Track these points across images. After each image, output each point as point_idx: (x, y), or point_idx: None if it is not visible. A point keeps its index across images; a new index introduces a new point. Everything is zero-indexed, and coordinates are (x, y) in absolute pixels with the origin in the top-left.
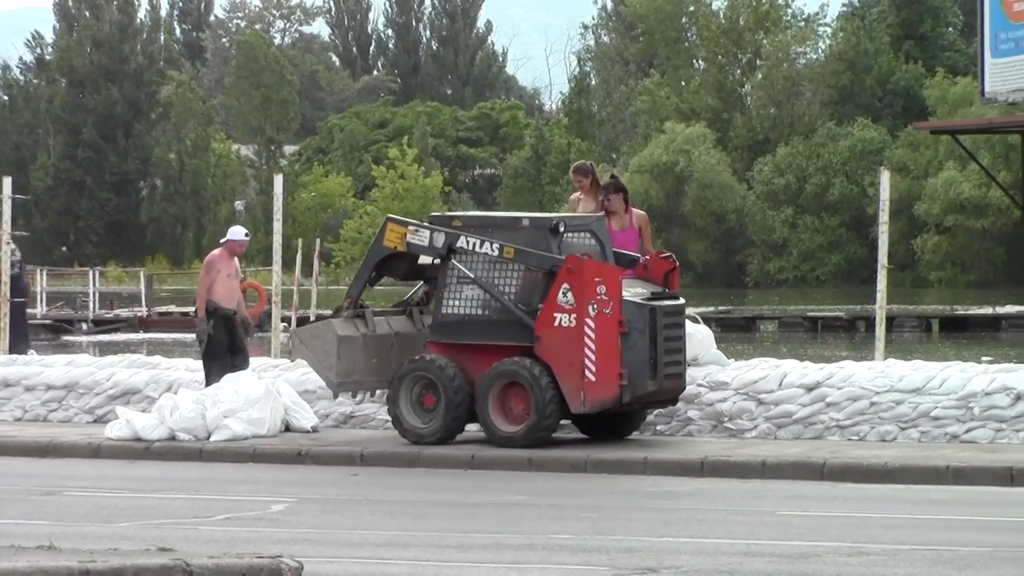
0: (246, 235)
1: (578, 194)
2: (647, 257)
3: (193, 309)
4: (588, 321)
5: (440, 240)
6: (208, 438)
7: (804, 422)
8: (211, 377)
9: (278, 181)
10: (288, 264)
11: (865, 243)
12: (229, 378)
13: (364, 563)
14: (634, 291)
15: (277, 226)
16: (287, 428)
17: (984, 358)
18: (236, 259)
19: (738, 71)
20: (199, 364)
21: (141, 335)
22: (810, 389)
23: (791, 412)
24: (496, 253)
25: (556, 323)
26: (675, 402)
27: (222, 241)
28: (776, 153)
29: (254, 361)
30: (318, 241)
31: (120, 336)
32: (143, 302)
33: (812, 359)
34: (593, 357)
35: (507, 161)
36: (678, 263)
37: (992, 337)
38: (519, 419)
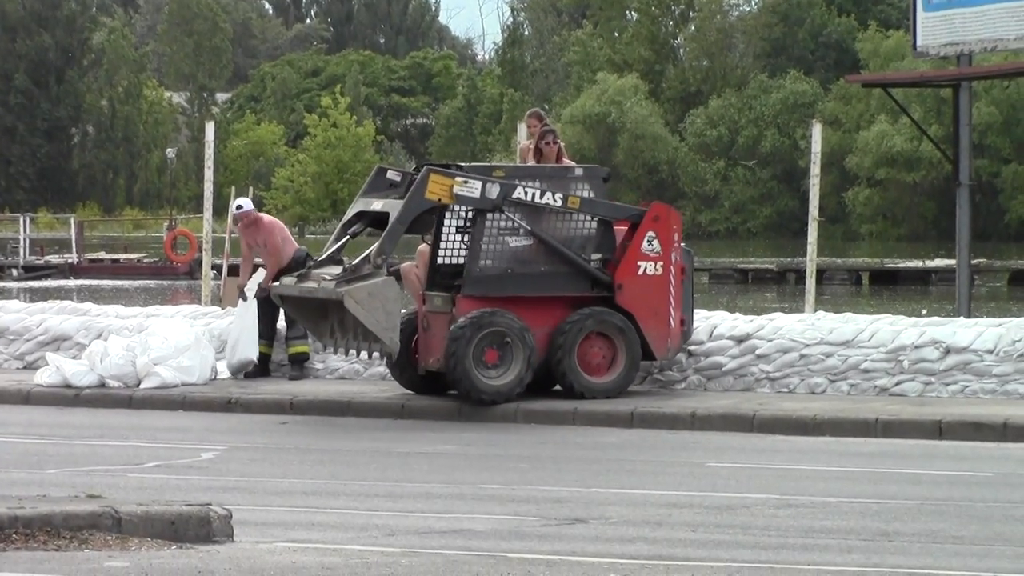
0: (238, 207)
1: (528, 142)
2: None
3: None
4: (672, 268)
5: (495, 191)
6: (138, 385)
7: (734, 374)
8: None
9: (210, 129)
10: (220, 212)
11: (796, 196)
12: (159, 325)
13: (294, 511)
14: None
15: (208, 174)
16: (217, 376)
17: (923, 311)
18: (254, 228)
19: (671, 22)
20: (129, 311)
21: (72, 281)
22: (740, 341)
23: (721, 364)
24: (559, 204)
25: (640, 271)
26: None
27: None
28: (708, 105)
29: (184, 308)
30: (250, 189)
31: (50, 282)
32: (74, 248)
33: (742, 311)
34: (674, 304)
35: (439, 111)
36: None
37: (922, 291)
38: (598, 370)
